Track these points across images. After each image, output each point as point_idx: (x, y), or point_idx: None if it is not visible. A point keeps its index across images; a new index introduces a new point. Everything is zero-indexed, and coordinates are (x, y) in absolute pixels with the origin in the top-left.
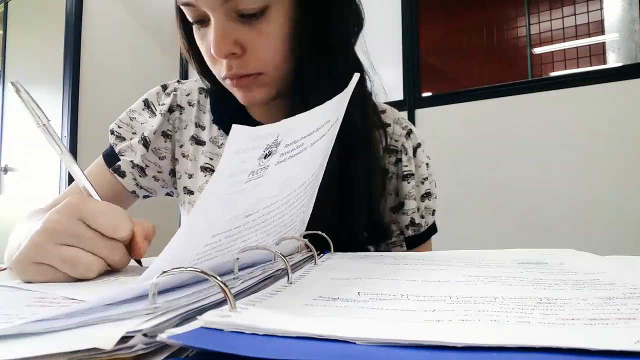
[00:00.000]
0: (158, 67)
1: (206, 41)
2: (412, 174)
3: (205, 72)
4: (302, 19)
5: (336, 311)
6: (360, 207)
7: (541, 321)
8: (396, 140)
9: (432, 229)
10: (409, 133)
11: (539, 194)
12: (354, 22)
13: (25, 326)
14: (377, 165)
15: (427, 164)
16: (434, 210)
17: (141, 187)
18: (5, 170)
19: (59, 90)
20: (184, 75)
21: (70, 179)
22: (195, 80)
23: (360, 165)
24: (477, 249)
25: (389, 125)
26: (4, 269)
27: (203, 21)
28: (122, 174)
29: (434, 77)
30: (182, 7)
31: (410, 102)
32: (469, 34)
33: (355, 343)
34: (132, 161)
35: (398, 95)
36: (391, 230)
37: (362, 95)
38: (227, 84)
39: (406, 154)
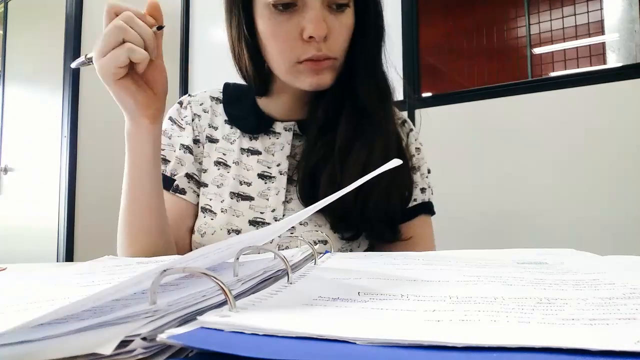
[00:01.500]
0: None
1: (291, 24)
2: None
3: (257, 69)
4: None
5: (336, 311)
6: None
7: (541, 321)
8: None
9: (428, 206)
10: (404, 122)
11: (538, 194)
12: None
13: (23, 332)
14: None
15: (417, 148)
16: (423, 189)
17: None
18: (5, 170)
19: (59, 90)
20: (184, 75)
21: (71, 179)
22: (204, 91)
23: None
24: (477, 249)
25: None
26: (4, 269)
27: (289, 5)
28: (182, 192)
29: (434, 77)
30: None
31: (410, 102)
32: (469, 34)
33: (355, 343)
34: (186, 174)
35: (398, 95)
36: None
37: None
38: (299, 69)
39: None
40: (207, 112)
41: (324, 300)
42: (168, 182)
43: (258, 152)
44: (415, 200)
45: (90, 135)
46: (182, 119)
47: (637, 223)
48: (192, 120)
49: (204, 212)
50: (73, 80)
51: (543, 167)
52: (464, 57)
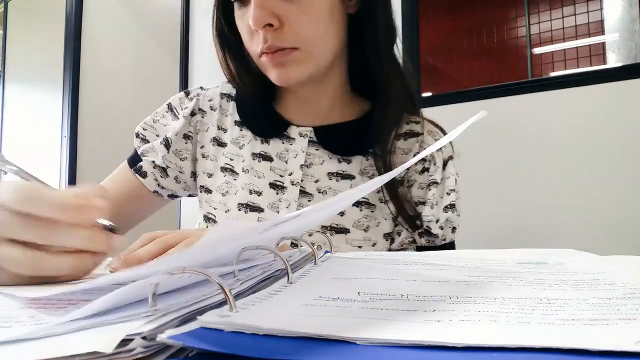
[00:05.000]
0: (158, 67)
1: (245, 19)
2: (436, 183)
3: (240, 71)
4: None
5: (336, 311)
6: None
7: (541, 321)
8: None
9: (449, 247)
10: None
11: (538, 194)
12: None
13: (27, 332)
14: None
15: (455, 179)
16: (454, 228)
17: (163, 187)
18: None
19: (59, 90)
20: (184, 75)
21: (71, 179)
22: (216, 87)
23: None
24: (477, 249)
25: (422, 134)
26: None
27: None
28: (144, 174)
29: (434, 77)
30: None
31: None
32: (469, 34)
33: (355, 343)
34: (153, 161)
35: None
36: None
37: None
38: (263, 61)
39: (434, 164)
40: (215, 110)
41: (324, 300)
42: (134, 160)
43: (270, 158)
44: (445, 239)
45: (90, 135)
46: (181, 109)
47: (637, 223)
48: (192, 114)
49: (207, 222)
50: (73, 80)
51: (543, 167)
52: (464, 57)
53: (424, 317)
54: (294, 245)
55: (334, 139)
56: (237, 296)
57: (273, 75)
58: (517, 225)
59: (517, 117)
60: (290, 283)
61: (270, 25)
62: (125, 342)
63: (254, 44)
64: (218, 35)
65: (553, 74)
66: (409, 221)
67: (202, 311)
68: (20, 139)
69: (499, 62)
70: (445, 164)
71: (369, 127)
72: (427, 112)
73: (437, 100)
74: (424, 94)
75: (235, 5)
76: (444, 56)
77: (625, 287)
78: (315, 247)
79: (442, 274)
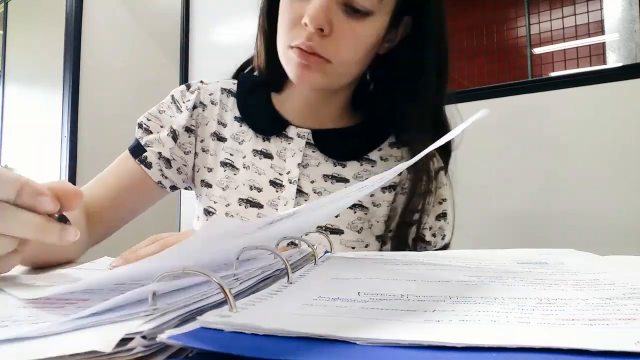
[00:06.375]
0: (158, 67)
1: (298, 7)
2: (430, 191)
3: (269, 55)
4: (391, 40)
5: (336, 311)
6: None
7: (541, 321)
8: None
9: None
10: (432, 156)
11: (538, 194)
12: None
13: (26, 332)
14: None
15: (446, 189)
16: (444, 235)
17: (167, 178)
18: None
19: (59, 90)
20: (184, 75)
21: (71, 179)
22: (217, 81)
23: None
24: (477, 249)
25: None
26: None
27: None
28: (149, 165)
29: None
30: None
31: None
32: (469, 34)
33: (355, 343)
34: (159, 152)
35: None
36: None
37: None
38: (289, 55)
39: (427, 174)
40: (216, 104)
41: (324, 300)
42: (138, 150)
43: (270, 156)
44: (435, 246)
45: (90, 135)
46: (183, 102)
47: (637, 223)
48: (194, 107)
49: (207, 215)
50: (73, 80)
51: (542, 167)
52: (464, 57)
53: (424, 317)
54: (292, 244)
55: (330, 144)
56: (237, 296)
57: (293, 72)
58: (517, 225)
59: (517, 117)
60: (290, 283)
61: (321, 30)
62: (124, 341)
63: (290, 34)
64: (267, 9)
65: (553, 74)
66: (396, 232)
67: (201, 310)
68: (20, 139)
69: (499, 62)
70: (436, 174)
71: (363, 134)
72: None
73: None
74: None
75: None
76: None
77: (625, 287)
78: (315, 247)
79: (442, 274)
